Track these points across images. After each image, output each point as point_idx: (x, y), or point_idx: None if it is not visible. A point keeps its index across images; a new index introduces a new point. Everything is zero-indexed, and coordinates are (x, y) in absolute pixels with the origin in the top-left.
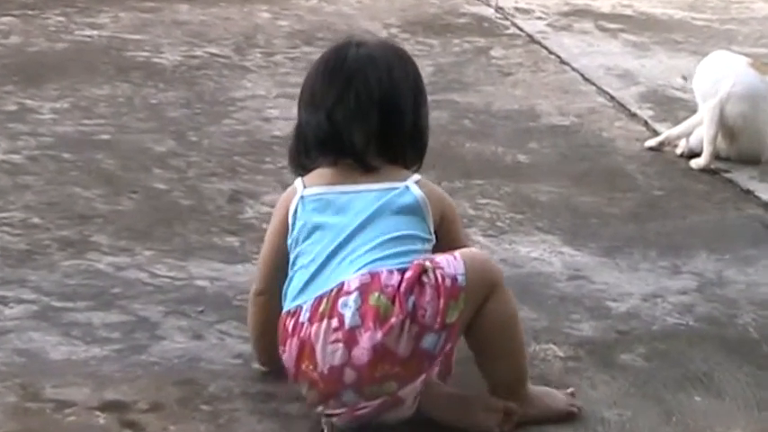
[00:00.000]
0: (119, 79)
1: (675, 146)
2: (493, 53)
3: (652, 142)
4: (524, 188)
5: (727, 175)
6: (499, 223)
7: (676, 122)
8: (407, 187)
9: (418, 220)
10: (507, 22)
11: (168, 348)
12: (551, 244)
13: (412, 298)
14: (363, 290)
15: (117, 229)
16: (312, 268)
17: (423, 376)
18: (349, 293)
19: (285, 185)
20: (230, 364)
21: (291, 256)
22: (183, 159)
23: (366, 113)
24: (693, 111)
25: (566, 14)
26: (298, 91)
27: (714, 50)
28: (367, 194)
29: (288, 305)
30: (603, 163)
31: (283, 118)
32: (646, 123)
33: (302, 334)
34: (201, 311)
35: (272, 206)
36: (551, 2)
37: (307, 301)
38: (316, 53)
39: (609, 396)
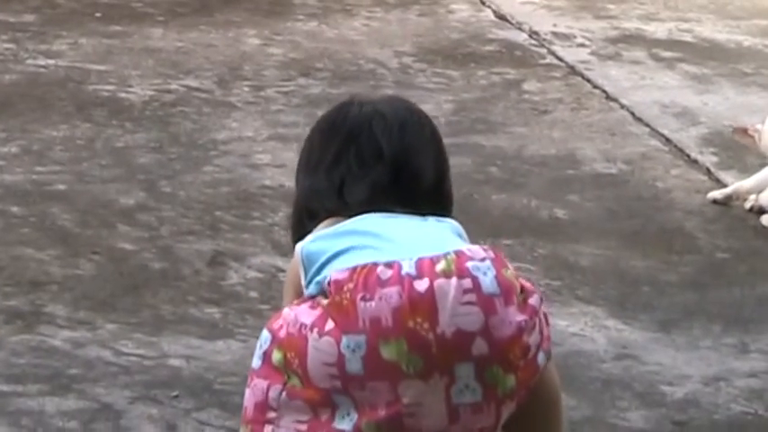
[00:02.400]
0: (78, 118)
1: (744, 200)
2: (526, 87)
3: (717, 194)
4: (562, 250)
5: None
6: None
7: (745, 171)
8: (437, 219)
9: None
10: (543, 50)
11: None
12: (594, 316)
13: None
14: (495, 261)
15: (75, 297)
16: (370, 240)
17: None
18: (476, 260)
19: (276, 245)
20: None
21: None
22: (154, 214)
23: (373, 170)
24: (766, 160)
25: (613, 41)
26: (292, 132)
27: None
28: (397, 217)
29: (362, 259)
30: (658, 219)
31: (275, 164)
32: (708, 171)
33: (418, 286)
34: (176, 397)
35: (260, 270)
36: (596, 26)
37: (401, 259)
38: (314, 86)
39: None
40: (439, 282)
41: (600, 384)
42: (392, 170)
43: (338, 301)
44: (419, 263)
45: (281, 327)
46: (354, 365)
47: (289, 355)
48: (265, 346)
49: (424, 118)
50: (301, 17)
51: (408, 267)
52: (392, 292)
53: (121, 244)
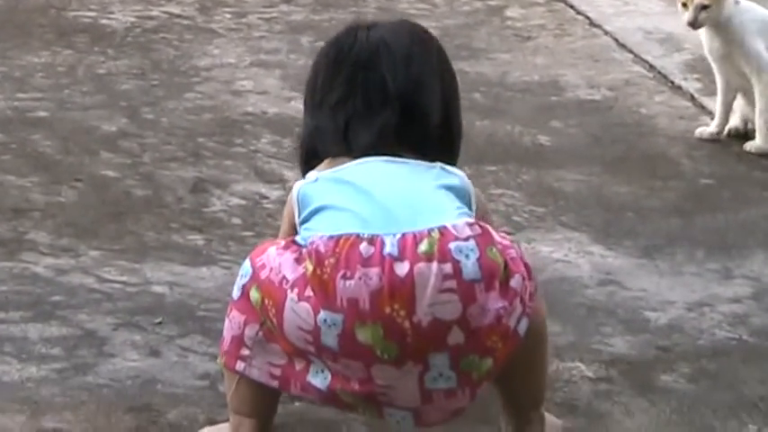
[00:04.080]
0: (59, 44)
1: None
2: (509, 13)
3: (706, 133)
4: (546, 176)
5: None
6: (516, 217)
7: None
8: (444, 168)
9: (465, 204)
10: None
11: (119, 368)
12: (578, 243)
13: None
14: (480, 240)
15: (57, 224)
16: (361, 202)
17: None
18: (460, 239)
19: (259, 172)
20: (194, 388)
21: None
22: (136, 141)
23: (379, 112)
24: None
25: None
26: (274, 58)
27: None
28: (400, 165)
29: (345, 228)
30: (641, 146)
31: (257, 91)
32: (692, 98)
33: (397, 269)
34: (159, 323)
35: (243, 197)
36: None
37: (386, 233)
38: (296, 13)
39: (647, 425)
40: (419, 266)
41: (584, 310)
42: (398, 111)
43: (319, 275)
44: (402, 241)
45: (264, 266)
46: (329, 340)
47: (266, 302)
48: (245, 280)
49: (429, 43)
50: None
51: (390, 246)
52: (372, 273)
53: (104, 171)
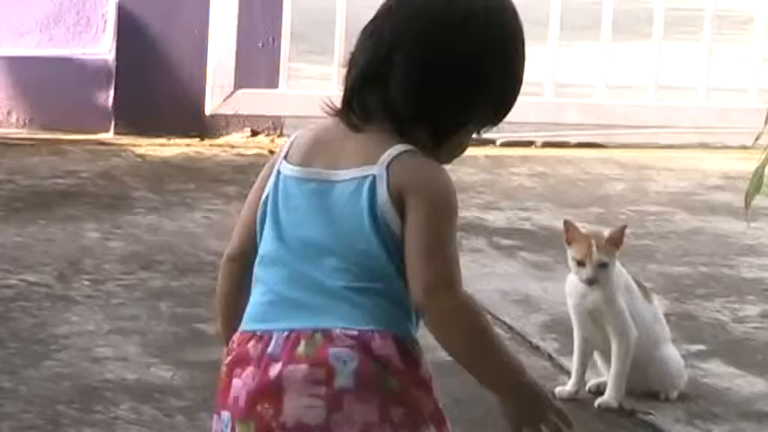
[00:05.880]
0: None
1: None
2: None
3: (564, 393)
4: None
5: (648, 418)
6: None
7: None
8: (378, 175)
9: (381, 228)
10: None
11: None
12: None
13: None
14: (361, 347)
15: None
16: (283, 273)
17: None
18: (342, 345)
19: None
20: None
21: (262, 231)
22: None
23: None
24: None
25: None
26: (133, 325)
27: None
28: (339, 188)
29: (251, 323)
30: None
31: (116, 357)
32: (551, 357)
33: (270, 371)
34: None
35: None
36: None
37: (277, 329)
38: (155, 279)
39: None
40: (289, 369)
41: None
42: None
43: (223, 376)
44: (285, 340)
45: None
46: None
47: None
48: None
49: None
50: (141, 210)
51: (273, 345)
52: (251, 373)
53: None
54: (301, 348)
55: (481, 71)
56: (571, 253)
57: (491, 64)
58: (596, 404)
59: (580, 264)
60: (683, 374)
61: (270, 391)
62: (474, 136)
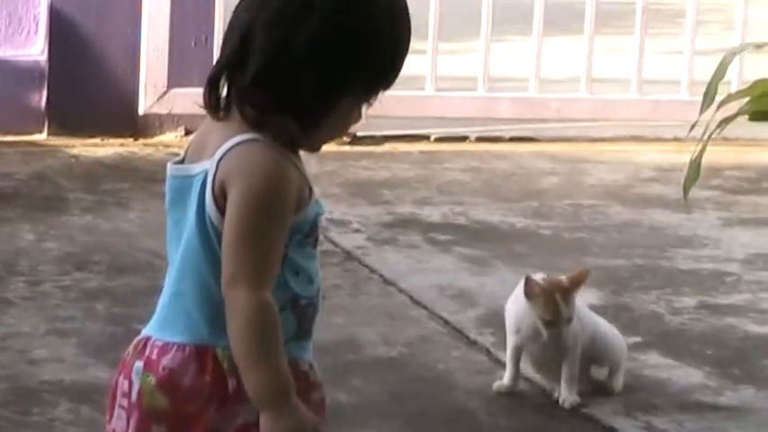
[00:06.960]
0: None
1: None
2: None
3: (502, 387)
4: None
5: (586, 411)
6: None
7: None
8: (209, 170)
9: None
10: (320, 237)
11: None
12: None
13: None
14: (148, 364)
15: None
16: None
17: None
18: (141, 359)
19: None
20: None
21: None
22: None
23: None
24: None
25: (388, 226)
26: (70, 326)
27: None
28: (189, 183)
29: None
30: (441, 401)
31: (53, 359)
32: (488, 352)
33: (116, 377)
34: None
35: None
36: (371, 212)
37: (149, 335)
38: (91, 280)
39: None
40: (117, 378)
41: None
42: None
43: None
44: (131, 350)
45: None
46: None
47: None
48: None
49: None
50: (76, 212)
51: (125, 353)
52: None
53: None
54: (128, 358)
55: (330, 50)
56: (538, 312)
57: (339, 41)
58: (567, 405)
59: (550, 324)
60: (624, 347)
61: (109, 398)
62: (363, 109)
